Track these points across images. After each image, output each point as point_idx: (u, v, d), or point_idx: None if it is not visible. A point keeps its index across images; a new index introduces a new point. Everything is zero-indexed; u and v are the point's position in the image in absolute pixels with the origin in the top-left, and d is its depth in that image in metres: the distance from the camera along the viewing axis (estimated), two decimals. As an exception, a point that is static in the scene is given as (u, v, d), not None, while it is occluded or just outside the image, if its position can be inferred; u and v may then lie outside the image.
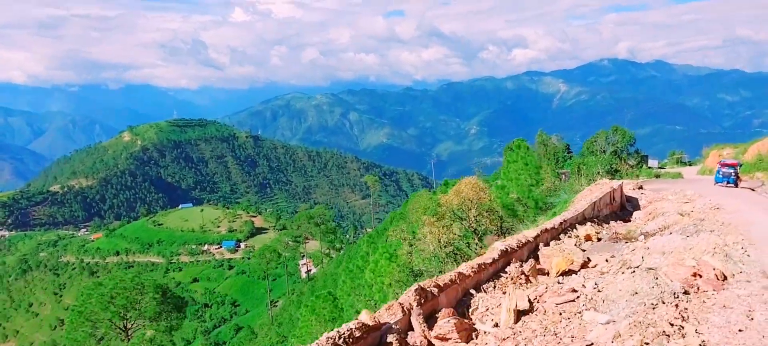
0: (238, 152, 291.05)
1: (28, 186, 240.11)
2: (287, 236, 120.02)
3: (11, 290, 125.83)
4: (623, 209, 23.01)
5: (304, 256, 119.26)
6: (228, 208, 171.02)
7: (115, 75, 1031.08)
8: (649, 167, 61.36)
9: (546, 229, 15.34)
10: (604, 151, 57.23)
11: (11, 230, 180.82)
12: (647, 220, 19.28)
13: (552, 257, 12.52)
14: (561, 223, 16.43)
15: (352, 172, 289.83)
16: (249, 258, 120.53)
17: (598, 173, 53.08)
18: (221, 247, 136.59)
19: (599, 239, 16.00)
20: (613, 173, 53.03)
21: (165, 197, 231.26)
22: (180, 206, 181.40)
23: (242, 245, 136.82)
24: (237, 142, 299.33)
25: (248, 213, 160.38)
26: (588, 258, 13.02)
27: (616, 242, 15.40)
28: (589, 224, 17.82)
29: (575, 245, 14.63)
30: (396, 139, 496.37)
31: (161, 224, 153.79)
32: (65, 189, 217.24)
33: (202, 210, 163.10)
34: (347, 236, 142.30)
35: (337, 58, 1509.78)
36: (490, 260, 11.52)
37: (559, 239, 15.40)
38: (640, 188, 27.45)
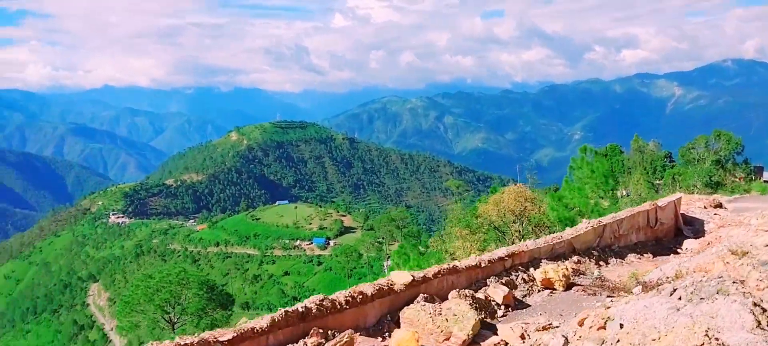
0: (334, 153, 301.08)
1: (147, 179, 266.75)
2: (371, 236, 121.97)
3: (126, 272, 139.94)
4: (679, 234, 17.99)
5: (389, 257, 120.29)
6: (320, 206, 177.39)
7: (226, 79, 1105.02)
8: (765, 181, 54.29)
9: (455, 268, 10.17)
10: (704, 160, 51.64)
11: (131, 218, 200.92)
12: (698, 253, 13.21)
13: (411, 324, 7.99)
14: (502, 257, 11.38)
15: (444, 176, 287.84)
16: (337, 255, 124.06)
17: (695, 185, 47.84)
18: (312, 243, 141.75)
19: (570, 287, 11.11)
20: (714, 186, 47.53)
21: (267, 193, 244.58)
22: (277, 203, 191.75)
23: (331, 242, 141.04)
24: (334, 143, 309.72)
25: (338, 212, 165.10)
26: (495, 329, 8.12)
27: (595, 294, 10.55)
28: (576, 258, 12.80)
29: (512, 296, 10.04)
30: (492, 143, 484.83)
31: (258, 219, 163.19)
32: (178, 183, 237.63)
33: (296, 207, 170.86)
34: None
35: (434, 60, 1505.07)
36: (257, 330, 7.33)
37: (485, 285, 10.52)
38: (719, 206, 23.50)
